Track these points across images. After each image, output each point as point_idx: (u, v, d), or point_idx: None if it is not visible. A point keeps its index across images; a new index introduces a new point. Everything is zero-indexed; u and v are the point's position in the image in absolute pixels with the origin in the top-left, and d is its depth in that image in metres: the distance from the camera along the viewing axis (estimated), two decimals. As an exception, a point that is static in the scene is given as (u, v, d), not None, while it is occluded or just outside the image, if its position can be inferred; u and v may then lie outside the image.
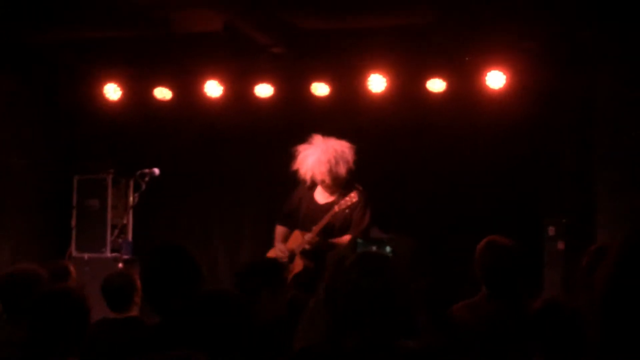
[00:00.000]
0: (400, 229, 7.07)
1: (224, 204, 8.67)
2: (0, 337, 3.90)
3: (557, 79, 7.42)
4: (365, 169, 8.13)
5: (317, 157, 6.26)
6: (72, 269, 5.07)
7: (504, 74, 7.48)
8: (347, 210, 6.01)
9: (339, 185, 6.28)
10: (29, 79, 8.43)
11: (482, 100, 7.63)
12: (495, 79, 7.51)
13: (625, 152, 6.70)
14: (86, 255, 8.01)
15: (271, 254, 6.55)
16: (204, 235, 8.51)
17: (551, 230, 7.21)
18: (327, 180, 6.22)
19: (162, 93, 8.34)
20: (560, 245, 7.13)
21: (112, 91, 8.39)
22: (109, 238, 8.03)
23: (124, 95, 8.43)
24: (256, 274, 3.78)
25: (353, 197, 6.08)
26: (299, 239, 6.38)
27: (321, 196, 6.34)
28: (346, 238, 6.24)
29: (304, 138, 8.11)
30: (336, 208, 6.07)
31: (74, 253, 8.12)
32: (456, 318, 3.99)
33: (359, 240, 6.02)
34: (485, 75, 7.53)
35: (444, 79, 7.71)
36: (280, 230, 6.53)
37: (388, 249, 5.95)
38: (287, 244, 6.46)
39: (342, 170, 6.27)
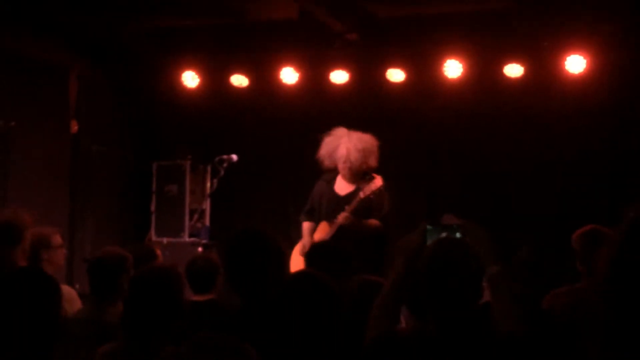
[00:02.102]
0: (476, 215, 7.00)
1: (301, 190, 8.71)
2: (89, 317, 4.04)
3: (638, 62, 7.23)
4: (441, 155, 8.11)
5: (354, 145, 6.33)
6: (158, 252, 5.19)
7: (584, 58, 7.33)
8: (371, 196, 6.07)
9: (361, 175, 6.33)
10: (110, 67, 8.63)
11: (561, 85, 7.49)
12: (575, 64, 7.36)
13: None
14: (165, 240, 8.16)
15: (298, 248, 6.60)
16: (280, 221, 8.58)
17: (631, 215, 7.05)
18: (356, 168, 6.26)
19: (239, 80, 8.43)
20: (642, 233, 6.96)
21: (190, 79, 8.52)
22: (187, 223, 8.17)
23: (202, 82, 8.55)
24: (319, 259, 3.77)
25: (377, 183, 6.12)
26: (326, 229, 6.40)
27: (341, 188, 6.39)
28: (373, 221, 6.24)
29: (380, 124, 8.14)
30: (361, 194, 6.12)
31: (154, 237, 8.27)
32: (555, 302, 3.93)
33: (429, 227, 6.05)
34: (565, 59, 7.40)
35: (522, 63, 7.60)
36: (306, 225, 6.59)
37: (458, 235, 5.97)
38: (313, 236, 6.50)
39: (372, 161, 6.33)
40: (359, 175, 6.34)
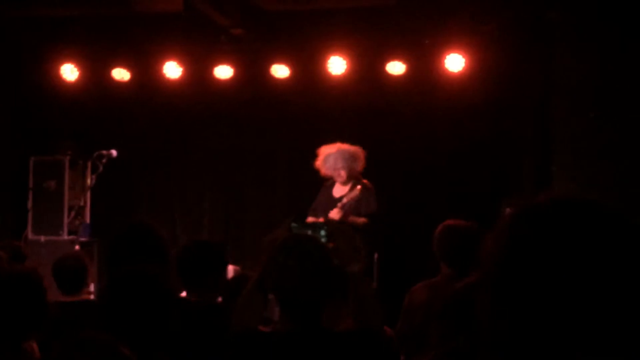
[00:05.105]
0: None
1: (183, 185, 8.63)
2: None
3: (515, 61, 7.46)
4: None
5: (341, 156, 6.96)
6: (25, 250, 4.99)
7: (463, 56, 7.52)
8: (352, 202, 6.71)
9: (351, 179, 6.95)
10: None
11: (441, 83, 7.67)
12: (455, 62, 7.56)
13: (582, 132, 6.77)
14: (43, 238, 7.91)
15: None
16: (163, 215, 8.45)
17: (508, 212, 7.26)
18: (344, 174, 6.92)
19: (121, 74, 8.26)
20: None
21: (69, 71, 8.29)
22: (66, 220, 7.94)
23: (82, 75, 8.32)
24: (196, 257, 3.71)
25: (356, 190, 6.74)
26: None
27: (336, 191, 7.01)
28: (361, 220, 6.76)
29: (264, 120, 8.14)
30: (345, 200, 6.73)
31: (30, 235, 8.00)
32: (413, 298, 4.03)
33: (294, 224, 6.39)
34: (445, 58, 7.57)
35: (404, 61, 7.73)
36: (309, 220, 7.11)
37: (322, 232, 6.29)
38: None
39: (359, 167, 6.95)
40: (349, 180, 6.97)
